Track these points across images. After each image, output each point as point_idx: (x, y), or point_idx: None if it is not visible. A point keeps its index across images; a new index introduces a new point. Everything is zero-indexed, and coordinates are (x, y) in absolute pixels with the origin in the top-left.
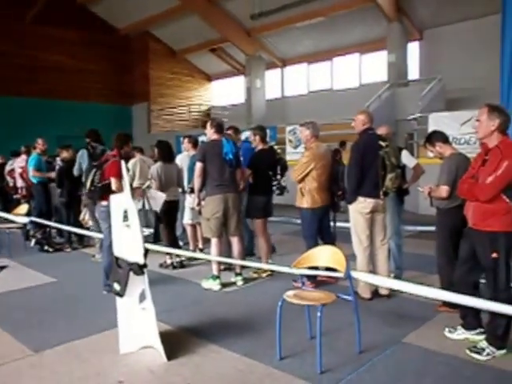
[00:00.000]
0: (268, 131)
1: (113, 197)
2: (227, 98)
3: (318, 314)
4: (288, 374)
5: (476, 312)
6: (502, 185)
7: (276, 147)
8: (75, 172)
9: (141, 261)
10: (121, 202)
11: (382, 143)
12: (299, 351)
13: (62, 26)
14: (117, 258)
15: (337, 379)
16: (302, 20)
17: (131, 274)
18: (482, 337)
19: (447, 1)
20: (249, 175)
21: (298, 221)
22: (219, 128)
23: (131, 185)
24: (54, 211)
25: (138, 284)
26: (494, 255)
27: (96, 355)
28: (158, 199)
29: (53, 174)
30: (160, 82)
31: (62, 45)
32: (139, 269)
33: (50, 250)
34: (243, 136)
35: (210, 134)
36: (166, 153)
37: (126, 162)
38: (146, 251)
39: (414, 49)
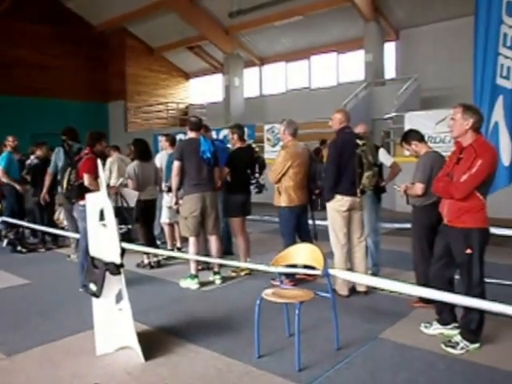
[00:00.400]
0: (246, 129)
1: (88, 196)
2: (205, 97)
3: (296, 311)
4: (267, 371)
5: (451, 307)
6: (476, 183)
7: (254, 145)
8: (50, 169)
9: (117, 260)
10: (97, 201)
11: (359, 141)
12: (278, 349)
13: (34, 22)
14: (93, 258)
15: (315, 376)
16: (280, 19)
17: (108, 274)
18: (457, 331)
19: (423, 2)
20: (227, 174)
21: (276, 219)
22: (194, 126)
23: (108, 184)
24: (28, 211)
25: (115, 284)
26: (468, 251)
27: (71, 358)
28: (132, 198)
29: (21, 187)
30: (137, 80)
31: (36, 41)
32: (116, 269)
33: (24, 250)
34: (221, 135)
35: (187, 132)
36: (143, 151)
37: (103, 160)
38: (123, 251)
39: (390, 48)
